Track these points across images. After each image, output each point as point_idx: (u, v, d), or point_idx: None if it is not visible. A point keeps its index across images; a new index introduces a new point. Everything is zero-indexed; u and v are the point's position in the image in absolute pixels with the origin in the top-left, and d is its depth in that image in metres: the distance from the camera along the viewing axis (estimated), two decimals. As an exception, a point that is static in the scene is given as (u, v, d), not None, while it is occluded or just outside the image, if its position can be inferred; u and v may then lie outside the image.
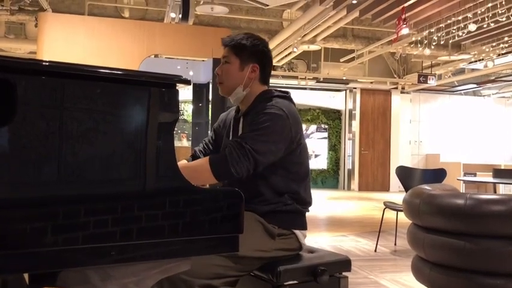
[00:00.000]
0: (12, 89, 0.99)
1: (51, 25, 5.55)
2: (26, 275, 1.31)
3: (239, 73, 1.83)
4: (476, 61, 9.42)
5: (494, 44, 8.08)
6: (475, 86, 12.26)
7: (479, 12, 6.09)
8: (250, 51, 1.82)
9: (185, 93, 8.51)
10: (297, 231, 1.85)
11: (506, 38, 7.69)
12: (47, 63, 1.06)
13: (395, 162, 11.88)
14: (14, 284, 1.35)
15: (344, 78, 11.36)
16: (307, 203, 1.88)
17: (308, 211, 1.91)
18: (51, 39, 5.49)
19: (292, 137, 1.76)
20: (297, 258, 1.86)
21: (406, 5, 6.02)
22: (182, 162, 1.75)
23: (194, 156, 2.00)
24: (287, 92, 1.91)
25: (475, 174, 10.09)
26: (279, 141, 1.71)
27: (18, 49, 8.74)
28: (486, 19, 6.28)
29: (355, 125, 12.63)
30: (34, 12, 7.32)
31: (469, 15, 6.18)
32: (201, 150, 2.03)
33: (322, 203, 9.43)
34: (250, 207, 1.70)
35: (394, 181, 11.41)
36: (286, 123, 1.73)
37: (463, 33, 6.87)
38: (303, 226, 1.88)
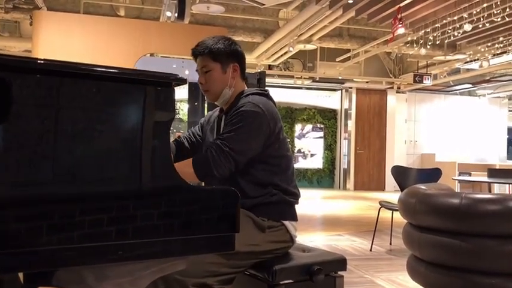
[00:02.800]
0: (7, 87, 0.99)
1: (46, 23, 5.52)
2: (20, 274, 1.31)
3: (223, 76, 1.87)
4: (471, 61, 9.45)
5: (489, 44, 8.10)
6: (470, 86, 12.30)
7: (474, 12, 6.10)
8: (227, 52, 1.86)
9: (181, 92, 8.49)
10: (287, 223, 1.86)
11: (501, 38, 7.71)
12: (42, 61, 1.05)
13: (390, 162, 11.91)
14: (9, 283, 1.34)
15: (340, 77, 11.37)
16: (293, 193, 1.90)
17: (297, 203, 1.93)
18: (46, 37, 5.46)
19: (270, 132, 1.81)
20: (292, 258, 1.86)
21: (402, 4, 6.03)
22: None
23: (177, 142, 2.05)
24: (266, 90, 1.97)
25: (470, 174, 10.13)
26: (257, 137, 1.78)
27: (12, 47, 8.69)
28: (481, 19, 6.30)
29: (351, 124, 12.65)
30: (29, 10, 7.27)
31: (465, 15, 6.20)
32: (185, 137, 2.08)
33: (318, 202, 9.44)
34: None
35: (390, 180, 11.44)
36: (264, 119, 1.79)
37: (459, 33, 6.89)
38: (293, 217, 1.89)
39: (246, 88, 1.96)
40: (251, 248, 1.75)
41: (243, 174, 1.79)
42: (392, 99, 12.81)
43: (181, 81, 1.22)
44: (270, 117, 1.81)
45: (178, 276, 1.54)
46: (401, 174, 4.98)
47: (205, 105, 6.33)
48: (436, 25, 6.77)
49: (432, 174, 4.67)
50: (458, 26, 6.57)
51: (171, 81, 1.21)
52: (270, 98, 1.93)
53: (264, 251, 1.79)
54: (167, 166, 1.19)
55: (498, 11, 6.04)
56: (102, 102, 1.11)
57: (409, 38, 7.86)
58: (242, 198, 1.75)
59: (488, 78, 11.47)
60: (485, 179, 6.35)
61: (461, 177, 8.15)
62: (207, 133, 2.02)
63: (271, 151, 1.83)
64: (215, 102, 1.96)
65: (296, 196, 1.92)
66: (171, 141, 1.66)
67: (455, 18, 6.36)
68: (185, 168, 1.66)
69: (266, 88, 2.02)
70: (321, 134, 12.93)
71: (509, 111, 14.07)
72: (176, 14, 5.85)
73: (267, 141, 1.80)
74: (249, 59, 9.47)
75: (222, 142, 1.72)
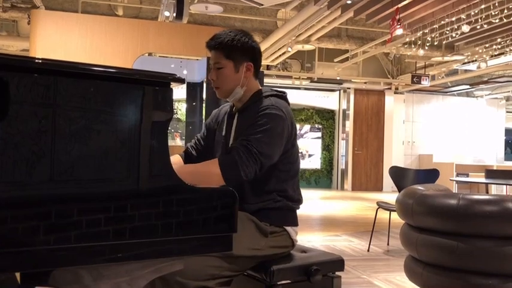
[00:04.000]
0: (4, 86, 0.98)
1: (44, 23, 5.51)
2: (17, 274, 1.30)
3: (235, 75, 1.79)
4: (469, 62, 9.47)
5: (487, 45, 8.12)
6: (468, 87, 12.33)
7: (472, 13, 6.11)
8: (241, 50, 1.77)
9: (179, 92, 8.49)
10: (289, 228, 1.85)
11: (499, 39, 7.73)
12: (40, 61, 1.05)
13: (388, 162, 11.93)
14: (6, 283, 1.34)
15: (338, 78, 11.38)
16: (296, 200, 1.88)
17: (299, 208, 1.91)
18: (44, 36, 5.45)
19: (288, 137, 1.78)
20: (290, 258, 1.86)
21: (400, 5, 6.04)
22: (188, 165, 1.75)
23: (186, 153, 2.00)
24: (284, 92, 1.91)
25: (467, 175, 10.15)
26: (281, 142, 1.74)
27: (10, 46, 8.67)
28: (479, 20, 6.31)
29: (349, 125, 12.66)
30: (27, 10, 7.27)
31: (463, 16, 6.21)
32: (193, 146, 2.02)
33: (316, 202, 9.44)
34: (240, 207, 1.69)
35: (387, 181, 11.46)
36: (286, 124, 1.76)
37: (457, 34, 6.91)
38: (294, 222, 1.88)
39: (261, 88, 1.88)
40: (253, 252, 1.74)
41: (251, 180, 1.73)
42: (390, 99, 12.82)
43: (179, 81, 1.22)
44: (290, 121, 1.78)
45: (179, 279, 1.54)
46: (399, 174, 4.99)
47: (203, 105, 6.33)
48: (434, 26, 6.77)
49: (430, 175, 4.68)
50: (456, 27, 6.58)
51: (169, 80, 1.20)
52: (288, 101, 1.87)
53: (265, 255, 1.79)
54: (165, 166, 1.19)
55: (496, 12, 6.06)
56: (99, 102, 1.11)
57: (407, 39, 7.87)
58: (245, 203, 1.75)
59: (486, 79, 11.50)
60: (483, 180, 6.36)
61: (458, 178, 8.16)
62: (216, 133, 1.94)
63: (285, 157, 1.79)
64: (226, 99, 1.89)
65: (299, 202, 1.90)
66: (171, 147, 1.64)
67: (453, 19, 6.37)
68: (212, 169, 1.59)
69: (284, 90, 1.93)
70: (319, 134, 12.94)
71: (507, 112, 14.11)
72: (174, 14, 5.85)
73: (285, 146, 1.77)
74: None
75: (248, 143, 1.65)
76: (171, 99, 1.20)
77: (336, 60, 10.60)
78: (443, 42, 7.93)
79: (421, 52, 8.12)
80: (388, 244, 5.00)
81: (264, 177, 1.76)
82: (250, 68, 1.81)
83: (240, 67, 1.79)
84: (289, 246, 1.88)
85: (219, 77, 1.79)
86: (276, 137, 1.71)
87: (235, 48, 1.76)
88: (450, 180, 7.23)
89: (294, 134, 1.82)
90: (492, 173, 6.52)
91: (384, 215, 5.12)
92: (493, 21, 6.31)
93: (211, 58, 1.80)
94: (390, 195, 9.79)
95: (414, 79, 10.46)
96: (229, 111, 1.92)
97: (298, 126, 12.71)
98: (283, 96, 1.87)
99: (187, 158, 1.98)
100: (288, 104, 1.87)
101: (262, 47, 8.86)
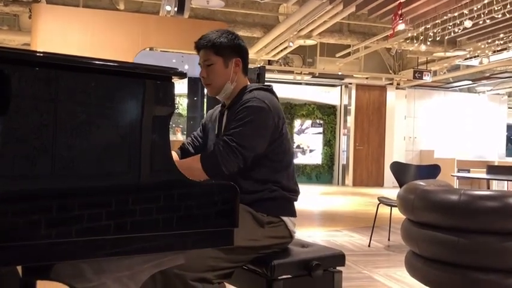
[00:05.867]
0: (5, 80, 0.98)
1: (45, 17, 5.49)
2: (19, 268, 1.31)
3: (225, 70, 1.86)
4: (471, 58, 9.44)
5: (489, 40, 8.09)
6: (469, 82, 12.30)
7: (475, 8, 6.09)
8: (230, 47, 1.85)
9: (180, 87, 8.48)
10: (286, 219, 1.86)
11: (501, 35, 7.70)
12: (41, 54, 1.05)
13: (389, 158, 11.92)
14: (8, 276, 1.34)
15: (339, 73, 11.36)
16: (292, 190, 1.90)
17: (296, 200, 1.93)
18: (45, 31, 5.43)
19: (275, 127, 1.81)
20: (291, 253, 1.86)
21: (402, 0, 6.01)
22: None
23: (182, 149, 2.04)
24: (269, 85, 1.96)
25: (468, 171, 10.15)
26: (264, 133, 1.78)
27: (11, 41, 8.66)
28: (482, 15, 6.28)
29: (350, 120, 12.65)
30: (28, 4, 7.25)
31: (465, 11, 6.18)
32: (189, 143, 2.07)
33: (317, 198, 9.45)
34: None
35: (388, 177, 11.45)
36: (269, 114, 1.79)
37: (459, 29, 6.88)
38: (292, 213, 1.89)
39: (249, 83, 1.95)
40: (251, 243, 1.75)
41: (245, 171, 1.77)
42: (391, 95, 12.80)
43: (180, 75, 1.22)
44: (275, 112, 1.81)
45: (177, 271, 1.54)
46: (400, 170, 4.99)
47: (205, 100, 6.33)
48: (437, 21, 6.75)
49: (431, 170, 4.68)
50: (458, 22, 6.56)
51: (171, 74, 1.20)
52: (274, 94, 1.92)
53: (263, 246, 1.80)
54: (166, 161, 1.19)
55: (499, 8, 6.03)
56: (101, 96, 1.11)
57: (409, 34, 7.84)
58: (241, 194, 1.76)
59: (488, 75, 11.47)
60: (484, 175, 6.36)
61: (460, 174, 8.17)
62: (209, 131, 2.00)
63: (275, 147, 1.82)
64: (216, 97, 1.94)
65: (296, 192, 1.92)
66: (173, 141, 1.64)
67: (455, 14, 6.34)
68: (194, 164, 1.67)
69: (270, 83, 2.00)
70: (320, 129, 12.93)
71: (509, 108, 14.08)
72: (176, 9, 5.83)
73: (271, 136, 1.80)
74: (249, 54, 9.43)
75: (229, 138, 1.71)
76: (172, 94, 1.20)
77: (337, 55, 10.58)
78: (446, 38, 7.91)
79: (423, 47, 8.09)
80: (389, 239, 5.01)
81: (258, 168, 1.79)
82: (239, 64, 1.89)
83: (229, 63, 1.86)
84: (287, 237, 1.88)
85: (210, 73, 1.86)
86: (258, 128, 1.75)
87: (224, 45, 1.84)
88: (451, 176, 7.24)
89: (281, 124, 1.85)
90: (493, 169, 6.52)
91: (384, 210, 5.12)
92: (496, 16, 6.28)
93: (201, 57, 1.87)
94: (391, 191, 9.79)
95: (416, 74, 10.43)
96: (221, 110, 1.99)
97: (299, 121, 12.70)
98: (268, 89, 1.92)
99: (184, 154, 2.00)
100: (275, 96, 1.92)
101: (264, 42, 8.85)
